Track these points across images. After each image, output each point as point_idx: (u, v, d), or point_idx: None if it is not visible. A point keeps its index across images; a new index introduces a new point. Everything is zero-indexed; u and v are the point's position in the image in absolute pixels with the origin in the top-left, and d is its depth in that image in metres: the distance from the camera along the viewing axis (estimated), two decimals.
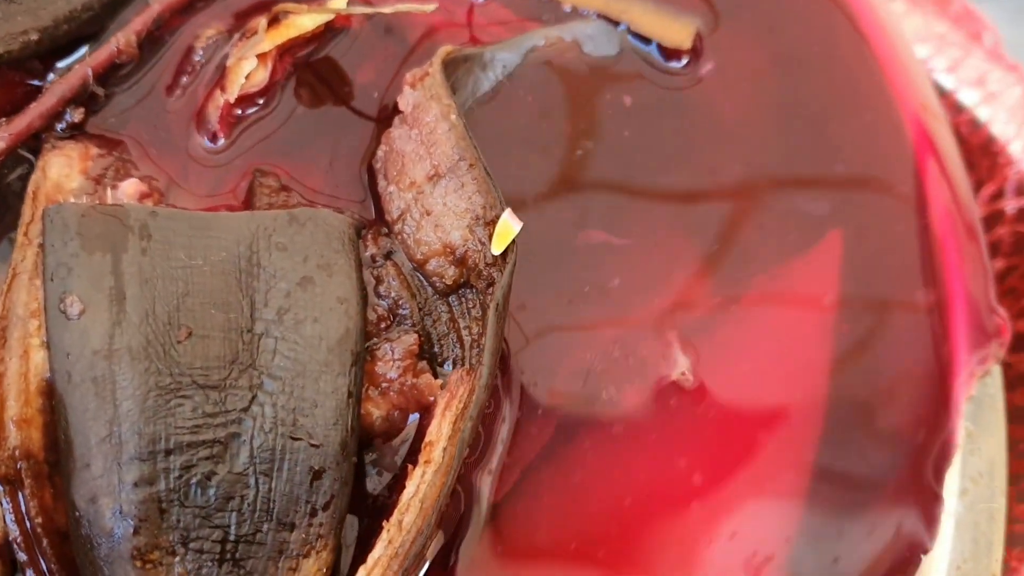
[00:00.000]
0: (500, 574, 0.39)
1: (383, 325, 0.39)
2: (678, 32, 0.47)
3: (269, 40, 0.42)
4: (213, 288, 0.36)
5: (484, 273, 0.39)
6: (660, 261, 0.44)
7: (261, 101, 0.43)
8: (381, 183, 0.42)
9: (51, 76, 0.42)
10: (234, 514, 0.34)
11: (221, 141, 0.42)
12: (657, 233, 0.44)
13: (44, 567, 0.35)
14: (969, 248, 0.49)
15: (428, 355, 0.39)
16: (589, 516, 0.40)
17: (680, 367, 0.42)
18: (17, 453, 0.35)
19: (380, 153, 0.42)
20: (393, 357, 0.38)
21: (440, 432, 0.36)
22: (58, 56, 0.43)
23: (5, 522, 0.35)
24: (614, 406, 0.41)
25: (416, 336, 0.39)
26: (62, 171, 0.40)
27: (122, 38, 0.42)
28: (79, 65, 0.42)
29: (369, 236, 0.40)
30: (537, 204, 0.43)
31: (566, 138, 0.45)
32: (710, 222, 0.45)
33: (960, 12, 0.61)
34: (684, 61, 0.47)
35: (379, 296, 0.39)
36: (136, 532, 0.33)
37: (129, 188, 0.40)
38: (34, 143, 0.41)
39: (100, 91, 0.42)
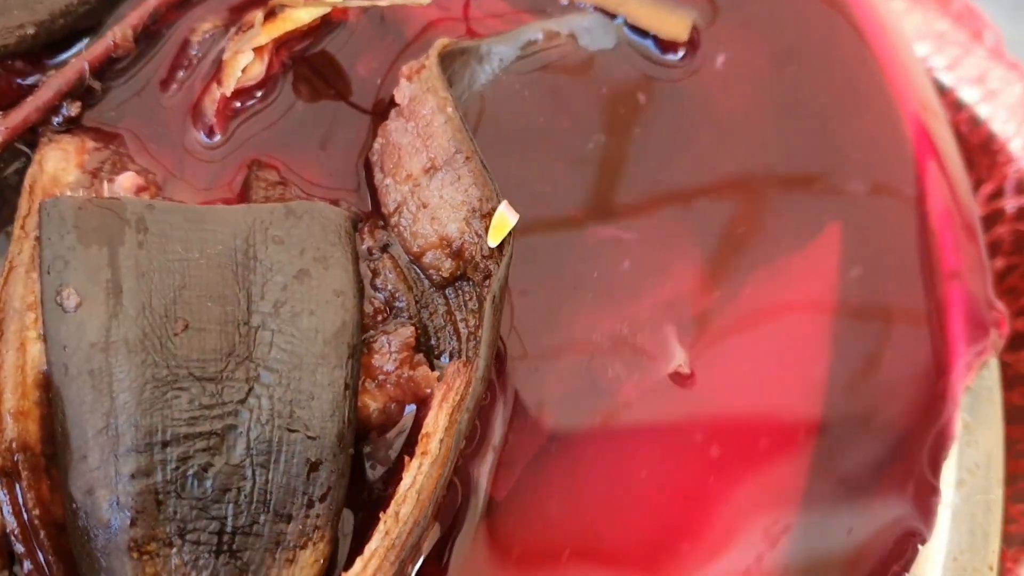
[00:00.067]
0: (497, 567, 0.39)
1: (380, 318, 0.39)
2: (675, 25, 0.47)
3: (265, 34, 0.42)
4: (210, 281, 0.36)
5: (481, 265, 0.39)
6: (658, 254, 0.44)
7: (258, 95, 0.43)
8: (377, 176, 0.42)
9: (38, 76, 0.42)
10: (231, 506, 0.34)
11: (217, 135, 0.42)
12: (653, 226, 0.44)
13: (41, 559, 0.35)
14: (967, 244, 0.49)
15: (425, 348, 0.39)
16: (586, 509, 0.40)
17: (677, 359, 0.42)
18: (14, 445, 0.35)
19: (376, 146, 0.42)
20: (390, 350, 0.38)
21: (437, 424, 0.36)
22: (54, 50, 0.43)
23: (2, 514, 0.35)
24: (612, 397, 0.41)
25: (413, 329, 0.39)
26: (59, 165, 0.40)
27: (118, 32, 0.42)
28: (75, 59, 0.42)
29: (366, 229, 0.40)
30: (531, 196, 0.43)
31: (561, 131, 0.45)
32: (707, 216, 0.45)
33: (961, 10, 0.61)
34: (681, 54, 0.47)
35: (376, 289, 0.39)
36: (133, 524, 0.33)
37: (126, 181, 0.40)
38: (31, 137, 0.41)
39: (97, 85, 0.42)
